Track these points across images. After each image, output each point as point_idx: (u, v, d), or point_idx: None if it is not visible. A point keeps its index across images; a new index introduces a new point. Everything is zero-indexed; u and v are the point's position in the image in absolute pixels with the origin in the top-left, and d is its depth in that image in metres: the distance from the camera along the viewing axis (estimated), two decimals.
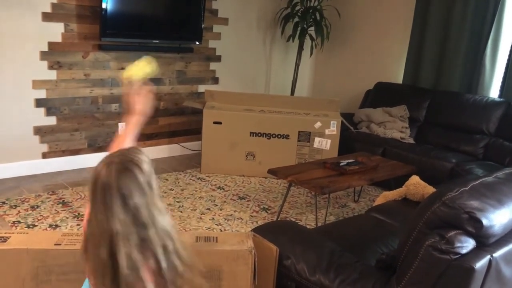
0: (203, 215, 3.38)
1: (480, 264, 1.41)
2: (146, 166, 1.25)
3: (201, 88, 4.86)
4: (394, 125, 4.50)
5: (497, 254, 1.47)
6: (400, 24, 4.96)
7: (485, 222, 1.42)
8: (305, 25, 5.09)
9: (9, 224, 3.03)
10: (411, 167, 3.50)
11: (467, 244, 1.43)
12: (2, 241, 1.66)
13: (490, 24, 4.18)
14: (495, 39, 4.18)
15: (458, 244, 1.41)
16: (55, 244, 1.67)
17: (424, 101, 4.55)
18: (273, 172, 3.24)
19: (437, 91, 4.53)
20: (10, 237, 1.70)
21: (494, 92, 4.29)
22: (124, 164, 1.22)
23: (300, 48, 5.22)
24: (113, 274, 1.20)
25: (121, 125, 4.38)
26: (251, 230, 1.93)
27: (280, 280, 1.81)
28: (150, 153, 4.37)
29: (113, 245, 1.19)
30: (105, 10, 3.84)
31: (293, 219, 3.41)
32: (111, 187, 1.18)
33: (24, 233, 1.77)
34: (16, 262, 1.62)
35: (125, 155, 1.24)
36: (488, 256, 1.45)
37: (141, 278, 1.22)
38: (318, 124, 4.19)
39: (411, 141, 4.41)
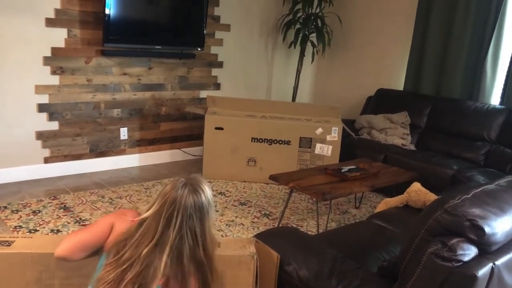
0: None
1: (483, 272, 1.41)
2: (209, 194, 1.52)
3: (203, 93, 4.88)
4: (395, 131, 4.52)
5: (499, 261, 1.48)
6: (401, 31, 4.98)
7: (487, 229, 1.43)
8: (306, 32, 5.11)
9: (11, 229, 3.04)
10: (412, 174, 3.51)
11: (469, 252, 1.43)
12: (7, 245, 1.67)
13: (491, 31, 4.20)
14: (496, 46, 4.20)
15: (460, 252, 1.41)
16: None
17: (425, 107, 4.56)
18: (275, 178, 3.24)
19: (438, 97, 4.55)
20: (14, 241, 1.70)
21: (495, 99, 4.31)
22: (195, 187, 1.49)
23: (302, 54, 5.25)
24: (138, 273, 1.34)
25: (123, 130, 4.40)
26: (253, 236, 1.94)
27: (282, 286, 1.81)
28: (152, 159, 4.43)
29: (159, 250, 1.41)
30: (108, 16, 3.86)
31: (295, 225, 3.41)
32: (180, 205, 1.44)
33: (28, 237, 1.77)
34: (20, 266, 1.63)
35: (196, 180, 1.51)
36: (491, 264, 1.45)
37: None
38: (319, 130, 4.20)
39: (412, 147, 4.42)
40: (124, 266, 1.39)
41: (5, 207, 3.34)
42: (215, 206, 3.64)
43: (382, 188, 3.44)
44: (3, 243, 1.67)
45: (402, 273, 1.57)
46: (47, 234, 3.01)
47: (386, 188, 3.51)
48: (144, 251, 1.40)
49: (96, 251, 1.54)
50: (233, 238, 3.10)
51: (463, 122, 4.24)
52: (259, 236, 1.96)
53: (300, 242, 1.97)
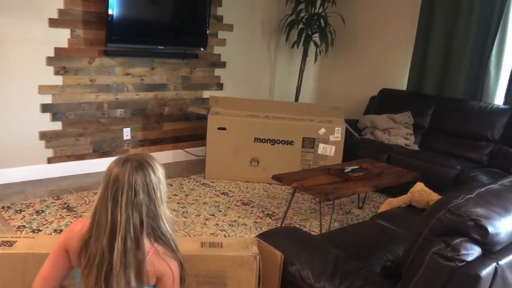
0: (207, 220, 3.38)
1: (486, 271, 1.40)
2: (159, 170, 1.42)
3: (206, 94, 4.88)
4: (398, 131, 4.50)
5: (503, 261, 1.47)
6: (404, 31, 4.97)
7: (490, 229, 1.42)
8: (309, 32, 5.10)
9: (14, 228, 3.04)
10: (416, 174, 3.50)
11: (473, 252, 1.42)
12: (9, 245, 1.67)
13: (495, 31, 4.18)
14: (500, 46, 4.18)
15: (464, 252, 1.41)
16: None
17: (429, 107, 4.55)
18: (278, 178, 3.24)
19: (442, 97, 4.53)
20: (16, 241, 1.71)
21: (499, 99, 4.29)
22: (140, 162, 1.38)
23: (305, 54, 5.24)
24: (109, 263, 1.30)
25: (125, 131, 4.41)
26: (256, 236, 1.93)
27: (285, 287, 1.81)
28: None
29: (113, 234, 1.34)
30: (111, 16, 3.87)
31: (297, 226, 3.40)
32: (123, 181, 1.34)
33: (30, 237, 1.77)
34: (22, 266, 1.63)
35: (141, 157, 1.41)
36: (494, 264, 1.44)
37: (134, 267, 1.31)
38: (322, 130, 4.19)
39: (416, 147, 4.40)
40: (96, 263, 1.33)
41: (9, 207, 3.35)
42: (218, 206, 3.64)
43: (386, 188, 3.43)
44: (5, 243, 1.67)
45: (405, 273, 1.57)
46: (50, 234, 3.01)
47: (389, 188, 3.50)
48: (104, 241, 1.33)
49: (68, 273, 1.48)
50: (236, 238, 3.10)
51: (466, 122, 4.22)
52: (262, 236, 1.96)
53: (303, 242, 1.97)
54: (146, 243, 1.38)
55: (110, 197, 1.34)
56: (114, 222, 1.33)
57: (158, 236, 1.41)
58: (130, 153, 4.47)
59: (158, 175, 1.40)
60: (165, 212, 1.43)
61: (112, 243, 1.33)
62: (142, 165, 1.37)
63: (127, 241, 1.33)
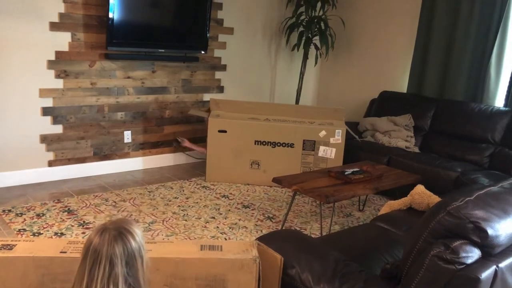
0: (207, 223, 3.38)
1: (486, 274, 1.40)
2: (138, 235, 1.36)
3: (206, 96, 4.88)
4: (399, 134, 4.50)
5: (503, 264, 1.47)
6: (404, 33, 4.97)
7: (490, 232, 1.42)
8: (309, 35, 5.11)
9: (15, 232, 3.04)
10: (416, 176, 3.50)
11: (473, 254, 1.42)
12: (8, 249, 1.67)
13: (495, 33, 4.18)
14: (500, 48, 4.18)
15: (464, 254, 1.41)
16: (60, 252, 1.67)
17: (429, 110, 4.55)
18: (278, 180, 3.24)
19: (442, 100, 4.53)
20: (16, 244, 1.71)
21: (499, 101, 4.29)
22: (118, 231, 1.33)
23: (305, 57, 5.24)
24: None
25: (126, 134, 4.41)
26: (256, 239, 1.93)
27: None
28: (155, 162, 4.42)
29: None
30: (112, 19, 3.88)
31: (298, 228, 3.40)
32: (101, 254, 1.28)
33: (30, 240, 1.77)
34: (22, 270, 1.63)
35: (120, 224, 1.35)
36: (494, 267, 1.44)
37: None
38: (323, 133, 4.19)
39: (416, 150, 4.40)
40: None
41: (10, 210, 3.36)
42: (219, 209, 3.64)
43: (386, 190, 3.43)
44: (5, 247, 1.67)
45: (405, 275, 1.56)
46: (51, 237, 3.02)
47: (390, 191, 3.50)
48: None
49: None
50: (235, 241, 3.09)
51: (467, 124, 4.22)
52: (262, 239, 1.96)
53: (302, 245, 1.97)
54: None
55: (87, 270, 1.29)
56: None
57: None
58: (130, 153, 4.48)
59: (138, 241, 1.34)
60: (144, 276, 1.36)
61: None
62: (121, 234, 1.31)
63: None
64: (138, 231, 1.36)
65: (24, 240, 1.77)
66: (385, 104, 4.91)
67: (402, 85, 5.01)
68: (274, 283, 1.80)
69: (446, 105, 4.45)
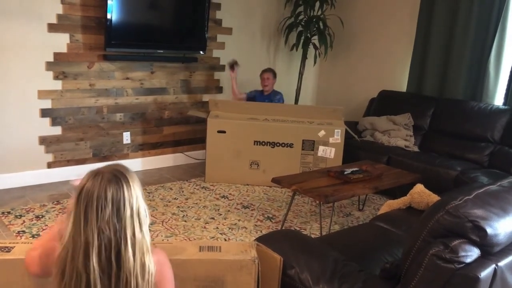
0: (207, 224, 3.37)
1: (485, 273, 1.40)
2: (134, 181, 1.31)
3: (206, 97, 4.88)
4: (398, 133, 4.50)
5: (502, 263, 1.46)
6: (403, 32, 4.97)
7: (489, 230, 1.41)
8: (308, 34, 5.11)
9: (14, 234, 3.04)
10: (416, 176, 3.49)
11: (472, 253, 1.42)
12: (6, 251, 1.66)
13: (494, 32, 4.18)
14: (499, 47, 4.18)
15: (463, 253, 1.40)
16: None
17: (429, 109, 4.54)
18: (277, 181, 3.23)
19: (441, 99, 4.53)
20: (14, 247, 1.70)
21: (498, 99, 4.28)
22: (112, 174, 1.26)
23: (304, 57, 5.24)
24: (87, 283, 1.23)
25: (125, 135, 4.41)
26: (255, 240, 1.92)
27: None
28: (155, 163, 4.40)
29: (87, 254, 1.24)
30: (110, 20, 3.88)
31: (298, 228, 3.40)
32: (93, 197, 1.24)
33: (28, 243, 1.77)
34: (20, 272, 1.62)
35: (115, 168, 1.30)
36: (493, 265, 1.43)
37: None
38: (322, 133, 4.19)
39: (416, 149, 4.39)
40: (73, 285, 1.25)
41: (9, 212, 3.35)
42: (218, 209, 3.64)
43: (386, 190, 3.43)
44: (3, 249, 1.67)
45: (404, 275, 1.56)
46: None
47: (390, 190, 3.49)
48: (79, 261, 1.24)
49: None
50: (234, 242, 3.09)
51: (466, 123, 4.22)
52: (261, 240, 1.95)
53: (301, 245, 1.96)
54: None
55: (82, 214, 1.25)
56: (87, 241, 1.24)
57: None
58: (130, 154, 4.47)
59: (132, 189, 1.28)
60: (134, 231, 1.28)
61: (87, 263, 1.24)
62: (115, 177, 1.27)
63: (101, 260, 1.25)
64: (133, 178, 1.30)
65: (22, 242, 1.76)
66: (384, 103, 4.90)
67: (401, 84, 5.01)
68: (274, 283, 1.80)
69: (445, 104, 4.45)
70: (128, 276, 1.27)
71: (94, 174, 1.27)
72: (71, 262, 1.26)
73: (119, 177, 1.27)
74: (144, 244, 1.30)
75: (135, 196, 1.29)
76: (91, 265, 1.24)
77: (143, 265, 1.29)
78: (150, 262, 1.31)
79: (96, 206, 1.23)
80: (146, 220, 1.33)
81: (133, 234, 1.28)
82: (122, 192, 1.26)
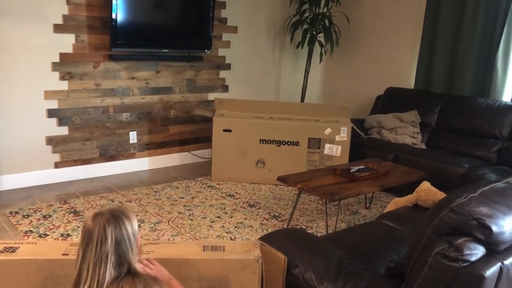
0: (213, 223, 3.38)
1: (491, 272, 1.38)
2: (131, 222, 1.41)
3: (211, 96, 4.88)
4: (405, 130, 4.47)
5: (508, 261, 1.44)
6: (410, 29, 4.93)
7: (494, 228, 1.40)
8: (314, 32, 5.08)
9: (22, 233, 3.06)
10: (423, 173, 3.46)
11: (477, 252, 1.40)
12: (11, 252, 1.68)
13: (501, 27, 4.13)
14: (507, 42, 4.13)
15: (467, 252, 1.38)
16: (62, 254, 1.68)
17: (436, 106, 4.51)
18: (283, 179, 3.22)
19: (449, 95, 4.49)
20: (19, 247, 1.71)
21: (506, 96, 4.23)
22: (112, 214, 1.39)
23: (310, 54, 5.22)
24: None
25: (132, 134, 4.42)
26: (259, 239, 1.92)
27: None
28: (161, 162, 4.42)
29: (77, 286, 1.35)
30: (115, 20, 3.89)
31: (304, 227, 3.39)
32: (94, 236, 1.35)
33: (33, 243, 1.78)
34: (24, 272, 1.64)
35: (114, 209, 1.42)
36: (499, 264, 1.42)
37: None
38: (328, 131, 4.17)
39: (423, 146, 4.36)
40: None
41: (16, 212, 3.38)
42: (224, 208, 3.64)
43: (393, 188, 3.40)
44: (8, 249, 1.68)
45: (409, 273, 1.55)
46: (57, 238, 3.03)
47: (397, 188, 3.47)
48: None
49: None
50: (238, 241, 3.09)
51: (474, 119, 4.17)
52: (265, 239, 1.95)
53: (306, 244, 1.95)
54: None
55: (81, 251, 1.36)
56: (80, 274, 1.34)
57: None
58: (136, 153, 4.48)
59: (130, 225, 1.40)
60: (133, 258, 1.40)
61: None
62: (114, 216, 1.38)
63: None
64: (131, 217, 1.42)
65: (27, 243, 1.78)
66: (391, 100, 4.87)
67: (408, 81, 4.97)
68: (278, 283, 1.79)
69: (452, 100, 4.41)
70: None
71: (95, 215, 1.39)
72: None
73: (118, 215, 1.39)
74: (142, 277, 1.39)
75: (132, 232, 1.39)
76: None
77: None
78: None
79: (95, 243, 1.34)
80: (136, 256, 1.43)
81: (133, 266, 1.39)
82: (121, 229, 1.37)
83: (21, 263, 1.64)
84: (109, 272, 1.33)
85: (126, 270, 1.37)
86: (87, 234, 1.36)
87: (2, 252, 1.67)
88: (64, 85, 3.92)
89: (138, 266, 1.42)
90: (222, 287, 1.72)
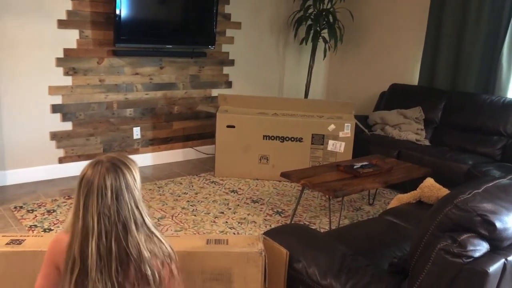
0: (216, 218, 3.38)
1: (494, 268, 1.38)
2: (132, 171, 1.35)
3: (215, 92, 4.88)
4: (409, 127, 4.46)
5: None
6: (414, 25, 4.91)
7: (498, 224, 1.39)
8: (318, 28, 5.07)
9: (26, 228, 3.08)
10: (427, 170, 3.46)
11: (480, 248, 1.40)
12: (18, 244, 1.69)
13: (507, 23, 4.11)
14: None
15: (471, 248, 1.38)
16: None
17: (440, 102, 4.49)
18: (286, 175, 3.23)
19: (453, 92, 4.47)
20: (25, 239, 1.73)
21: (511, 92, 4.22)
22: (112, 163, 1.33)
23: (314, 51, 5.21)
24: (82, 268, 1.26)
25: (135, 130, 4.43)
26: (262, 233, 1.93)
27: (291, 284, 1.80)
28: (165, 157, 4.43)
29: (86, 240, 1.29)
30: (119, 16, 3.89)
31: (307, 223, 3.39)
32: (93, 186, 1.29)
33: (39, 236, 1.79)
34: (31, 264, 1.64)
35: (114, 157, 1.35)
36: (503, 260, 1.41)
37: (111, 271, 1.29)
38: (332, 127, 4.17)
39: (427, 143, 4.35)
40: (68, 269, 1.29)
41: (21, 207, 3.40)
42: (227, 204, 3.65)
43: (396, 184, 3.40)
44: (14, 242, 1.69)
45: (412, 269, 1.55)
46: None
47: (400, 184, 3.47)
48: (76, 247, 1.29)
49: None
50: (242, 235, 3.10)
51: (478, 116, 4.16)
52: (268, 233, 1.95)
53: (309, 239, 1.96)
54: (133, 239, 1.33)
55: (81, 201, 1.30)
56: (86, 227, 1.29)
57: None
58: (140, 149, 4.50)
59: (131, 176, 1.33)
60: (132, 214, 1.34)
61: (84, 249, 1.28)
62: (114, 166, 1.31)
63: (100, 245, 1.28)
64: (132, 166, 1.35)
65: (33, 236, 1.79)
66: (395, 97, 4.86)
67: (412, 78, 4.95)
68: (280, 277, 1.80)
69: (457, 97, 4.39)
70: (130, 259, 1.31)
71: (94, 163, 1.33)
72: (69, 249, 1.30)
73: (117, 165, 1.32)
74: (146, 228, 1.35)
75: (133, 183, 1.33)
76: (89, 251, 1.28)
77: (155, 242, 1.35)
78: (152, 246, 1.35)
79: (96, 193, 1.28)
80: (144, 206, 1.37)
81: (139, 216, 1.33)
82: (121, 179, 1.30)
83: (28, 255, 1.65)
84: (110, 228, 1.28)
85: (139, 224, 1.32)
86: (86, 183, 1.29)
87: (8, 244, 1.68)
88: (68, 81, 3.93)
89: (149, 221, 1.37)
90: (225, 279, 1.73)
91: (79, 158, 4.14)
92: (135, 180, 1.34)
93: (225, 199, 3.76)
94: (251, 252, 1.71)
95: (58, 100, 3.92)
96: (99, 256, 1.28)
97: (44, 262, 1.42)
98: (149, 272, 1.32)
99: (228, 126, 4.20)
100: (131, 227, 1.31)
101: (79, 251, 1.29)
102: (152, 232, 1.36)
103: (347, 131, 4.16)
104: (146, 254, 1.32)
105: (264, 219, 3.42)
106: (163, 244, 1.38)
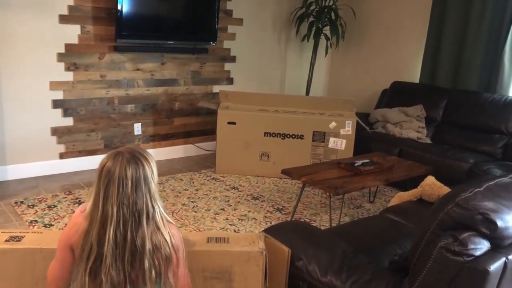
0: (217, 215, 3.38)
1: (495, 266, 1.38)
2: (150, 164, 1.42)
3: (216, 88, 4.87)
4: (410, 125, 4.45)
5: None
6: (416, 23, 4.89)
7: (499, 223, 1.39)
8: (320, 25, 5.06)
9: (27, 223, 3.08)
10: (428, 168, 3.45)
11: (481, 246, 1.40)
12: (17, 241, 1.69)
13: (509, 21, 4.10)
14: None
15: (472, 246, 1.38)
16: None
17: (441, 100, 4.48)
18: (287, 172, 3.22)
19: (455, 90, 4.46)
20: (24, 236, 1.72)
21: None
22: (132, 155, 1.38)
23: (315, 47, 5.20)
24: (98, 255, 1.28)
25: (136, 126, 4.43)
26: (262, 231, 1.92)
27: (292, 281, 1.80)
28: (166, 154, 4.43)
29: (104, 228, 1.34)
30: (121, 11, 3.88)
31: (308, 220, 3.39)
32: (114, 175, 1.34)
33: (38, 232, 1.79)
34: (30, 262, 1.65)
35: (134, 149, 1.41)
36: (504, 259, 1.41)
37: (125, 259, 1.35)
38: (333, 124, 4.16)
39: (428, 141, 4.34)
40: (84, 256, 1.34)
41: (22, 202, 3.40)
42: (228, 200, 3.65)
43: (397, 182, 3.40)
44: (13, 238, 1.69)
45: (413, 267, 1.55)
46: (62, 228, 3.04)
47: (401, 182, 3.47)
48: (94, 234, 1.33)
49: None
50: (242, 233, 3.09)
51: (480, 114, 4.15)
52: (268, 231, 1.95)
53: (309, 237, 1.96)
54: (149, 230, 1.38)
55: (102, 189, 1.34)
56: (105, 215, 1.33)
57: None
58: (141, 146, 4.49)
59: (150, 168, 1.39)
60: (148, 206, 1.39)
61: (102, 236, 1.33)
62: (134, 157, 1.36)
63: (117, 233, 1.33)
64: (151, 159, 1.42)
65: (32, 232, 1.79)
66: (397, 94, 4.85)
67: (414, 76, 4.94)
68: (281, 275, 1.80)
69: (458, 95, 4.38)
70: (144, 248, 1.35)
71: (115, 154, 1.38)
72: (87, 235, 1.35)
73: (137, 157, 1.38)
74: (161, 218, 1.40)
75: (151, 175, 1.39)
76: (106, 238, 1.33)
77: (159, 238, 1.39)
78: (166, 235, 1.40)
79: (118, 183, 1.33)
80: (159, 199, 1.44)
81: (151, 209, 1.38)
82: (140, 171, 1.36)
83: (27, 252, 1.65)
84: (128, 218, 1.33)
85: (150, 217, 1.37)
86: (107, 173, 1.34)
87: (8, 241, 1.68)
88: (69, 76, 3.93)
89: (160, 216, 1.41)
90: (226, 278, 1.73)
91: (80, 153, 4.14)
92: (153, 173, 1.41)
93: (226, 196, 3.76)
94: (252, 251, 1.71)
95: (59, 95, 3.91)
96: (116, 244, 1.34)
97: (58, 245, 1.46)
98: (147, 266, 1.36)
99: (229, 123, 4.19)
100: (142, 220, 1.36)
101: (97, 238, 1.34)
102: (158, 228, 1.40)
103: (348, 128, 4.16)
104: (148, 247, 1.36)
105: (265, 216, 3.41)
106: (167, 242, 1.41)
